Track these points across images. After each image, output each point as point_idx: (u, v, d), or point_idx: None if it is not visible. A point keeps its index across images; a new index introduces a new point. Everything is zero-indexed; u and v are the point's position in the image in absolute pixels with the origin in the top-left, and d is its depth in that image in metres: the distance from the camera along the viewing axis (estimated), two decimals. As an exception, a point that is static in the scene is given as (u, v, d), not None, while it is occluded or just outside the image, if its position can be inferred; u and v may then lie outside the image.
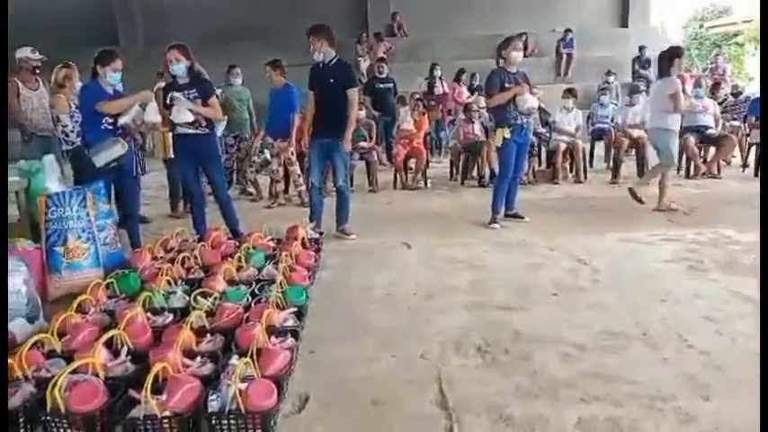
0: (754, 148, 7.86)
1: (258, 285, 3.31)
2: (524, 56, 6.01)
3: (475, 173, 7.75)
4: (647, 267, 3.94)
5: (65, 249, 3.63)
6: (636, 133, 7.51)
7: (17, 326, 2.82)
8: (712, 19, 26.94)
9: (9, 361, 2.24)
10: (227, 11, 14.30)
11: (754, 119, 7.88)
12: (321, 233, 4.68)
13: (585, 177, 7.63)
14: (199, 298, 3.04)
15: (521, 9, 14.36)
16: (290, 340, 2.61)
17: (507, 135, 5.02)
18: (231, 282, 3.42)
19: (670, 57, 5.47)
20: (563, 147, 7.52)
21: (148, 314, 2.88)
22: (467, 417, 2.18)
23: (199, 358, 2.39)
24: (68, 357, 2.39)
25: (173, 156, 4.82)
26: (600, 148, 8.68)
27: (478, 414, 2.19)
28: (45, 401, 2.03)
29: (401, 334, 2.95)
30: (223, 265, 3.51)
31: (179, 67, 4.38)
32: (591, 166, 8.21)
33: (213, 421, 2.00)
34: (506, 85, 4.96)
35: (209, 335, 2.65)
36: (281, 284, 3.16)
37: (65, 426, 2.02)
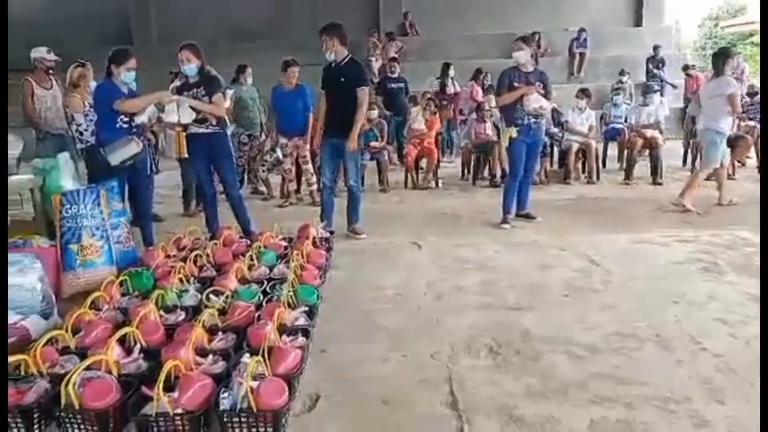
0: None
1: (270, 284, 3.31)
2: (540, 55, 5.97)
3: (486, 173, 7.72)
4: (660, 269, 3.91)
5: (79, 247, 3.67)
6: (649, 133, 7.42)
7: (32, 322, 2.86)
8: (727, 18, 26.58)
9: (24, 357, 2.26)
10: (240, 11, 14.36)
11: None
12: (332, 232, 4.68)
13: (598, 178, 7.56)
14: (211, 296, 3.07)
15: (533, 8, 14.26)
16: (301, 339, 2.62)
17: (514, 134, 5.01)
18: (243, 280, 3.43)
19: (725, 56, 5.44)
20: (576, 147, 7.46)
21: (161, 312, 2.91)
22: (477, 417, 2.17)
23: (211, 356, 2.41)
24: (82, 354, 2.41)
25: (187, 155, 4.86)
26: (613, 148, 8.59)
27: (489, 415, 2.19)
28: (59, 397, 2.06)
29: (412, 334, 2.95)
30: (235, 264, 3.53)
31: (190, 68, 4.40)
32: (604, 166, 8.14)
33: (224, 419, 2.01)
34: (515, 84, 4.95)
35: (220, 333, 2.67)
36: (292, 283, 3.17)
37: (78, 422, 2.04)
